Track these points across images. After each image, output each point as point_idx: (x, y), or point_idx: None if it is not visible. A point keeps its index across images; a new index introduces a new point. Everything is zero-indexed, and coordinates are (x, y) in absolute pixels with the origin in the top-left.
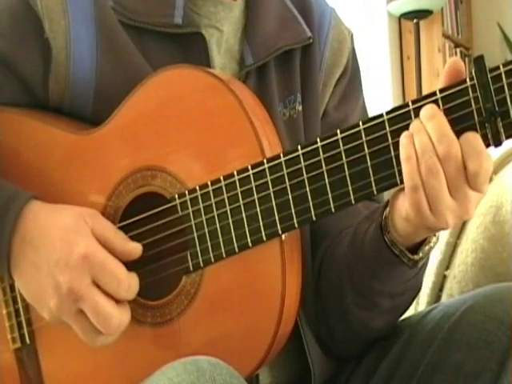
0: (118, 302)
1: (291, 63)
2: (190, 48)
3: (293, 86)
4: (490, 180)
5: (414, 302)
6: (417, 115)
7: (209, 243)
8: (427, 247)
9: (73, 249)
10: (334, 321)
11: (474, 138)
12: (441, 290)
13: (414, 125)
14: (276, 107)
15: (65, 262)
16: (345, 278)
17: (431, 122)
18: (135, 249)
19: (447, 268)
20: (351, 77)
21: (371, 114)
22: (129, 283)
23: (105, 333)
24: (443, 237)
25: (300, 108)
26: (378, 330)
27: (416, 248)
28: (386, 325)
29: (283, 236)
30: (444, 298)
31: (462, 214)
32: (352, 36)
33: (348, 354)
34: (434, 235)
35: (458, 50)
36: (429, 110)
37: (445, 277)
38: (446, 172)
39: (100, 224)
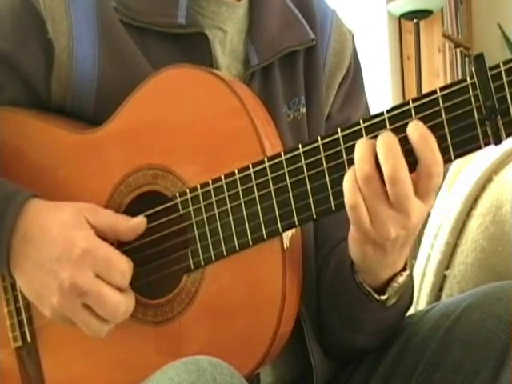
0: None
1: (295, 65)
2: (193, 48)
3: (297, 89)
4: (490, 180)
5: (414, 302)
6: (417, 113)
7: (209, 241)
8: (393, 287)
9: (74, 244)
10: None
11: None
12: (441, 290)
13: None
14: (281, 108)
15: (66, 258)
16: (329, 300)
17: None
18: (139, 223)
19: (447, 268)
20: (353, 79)
21: (372, 113)
22: (130, 273)
23: (112, 321)
24: (443, 237)
25: (304, 110)
26: (363, 350)
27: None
28: (370, 345)
29: (285, 241)
30: (444, 298)
31: (405, 222)
32: (353, 37)
33: (345, 360)
34: (401, 275)
35: (457, 49)
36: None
37: (445, 277)
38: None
39: (99, 215)
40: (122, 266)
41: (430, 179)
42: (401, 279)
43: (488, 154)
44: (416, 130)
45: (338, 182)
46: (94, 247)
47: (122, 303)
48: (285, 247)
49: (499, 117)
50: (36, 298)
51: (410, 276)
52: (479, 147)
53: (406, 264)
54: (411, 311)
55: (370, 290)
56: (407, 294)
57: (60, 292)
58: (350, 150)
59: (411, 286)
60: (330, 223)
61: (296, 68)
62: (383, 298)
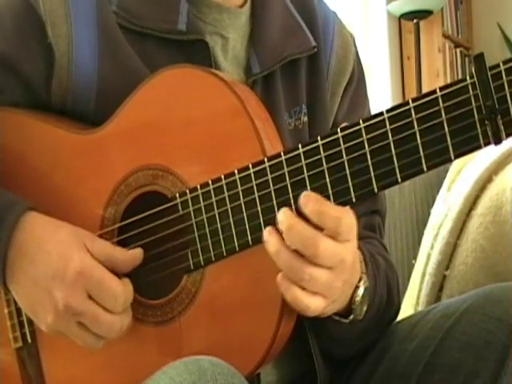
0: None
1: (297, 73)
2: (193, 55)
3: (298, 97)
4: (490, 180)
5: (414, 302)
6: (417, 113)
7: (209, 242)
8: (356, 303)
9: (68, 264)
10: None
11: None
12: (441, 290)
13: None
14: (282, 116)
15: (61, 278)
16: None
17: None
18: (136, 254)
19: (447, 268)
20: (358, 83)
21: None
22: (125, 297)
23: (107, 337)
24: (443, 237)
25: (305, 119)
26: (353, 355)
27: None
28: (359, 348)
29: None
30: (444, 298)
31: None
32: (354, 40)
33: (341, 362)
34: (358, 287)
35: (457, 50)
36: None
37: (445, 277)
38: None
39: (98, 244)
40: (115, 290)
41: (338, 235)
42: (360, 291)
43: (488, 154)
44: (307, 205)
45: (338, 182)
46: (88, 269)
47: (117, 322)
48: None
49: (499, 117)
50: (31, 314)
51: (369, 281)
52: (479, 147)
53: (361, 273)
54: (411, 312)
55: (337, 318)
56: (376, 298)
57: (55, 311)
58: (351, 150)
59: (376, 289)
60: None
61: (298, 76)
62: (351, 317)
